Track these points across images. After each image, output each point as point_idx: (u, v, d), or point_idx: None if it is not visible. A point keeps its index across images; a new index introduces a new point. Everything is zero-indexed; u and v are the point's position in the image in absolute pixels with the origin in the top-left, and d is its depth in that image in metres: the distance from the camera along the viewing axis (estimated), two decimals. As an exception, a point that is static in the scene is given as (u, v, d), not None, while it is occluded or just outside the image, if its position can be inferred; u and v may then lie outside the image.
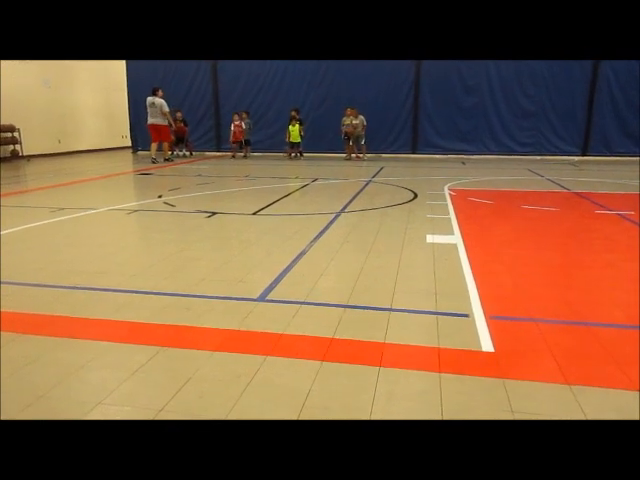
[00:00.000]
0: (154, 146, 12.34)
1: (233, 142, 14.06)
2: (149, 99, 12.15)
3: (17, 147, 13.53)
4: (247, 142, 14.23)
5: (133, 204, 6.89)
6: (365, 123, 13.15)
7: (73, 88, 15.69)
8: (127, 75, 15.71)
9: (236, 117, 13.85)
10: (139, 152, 15.72)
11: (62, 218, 5.84)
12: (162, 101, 12.15)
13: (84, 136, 16.26)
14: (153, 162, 12.14)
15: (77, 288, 3.51)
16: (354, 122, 13.08)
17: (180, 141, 14.36)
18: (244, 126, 13.91)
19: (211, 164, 12.64)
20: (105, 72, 16.80)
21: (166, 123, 12.35)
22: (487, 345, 2.61)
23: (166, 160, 12.55)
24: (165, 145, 12.65)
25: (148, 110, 12.18)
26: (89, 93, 16.36)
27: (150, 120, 12.20)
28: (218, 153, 15.34)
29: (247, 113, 14.21)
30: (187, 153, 14.57)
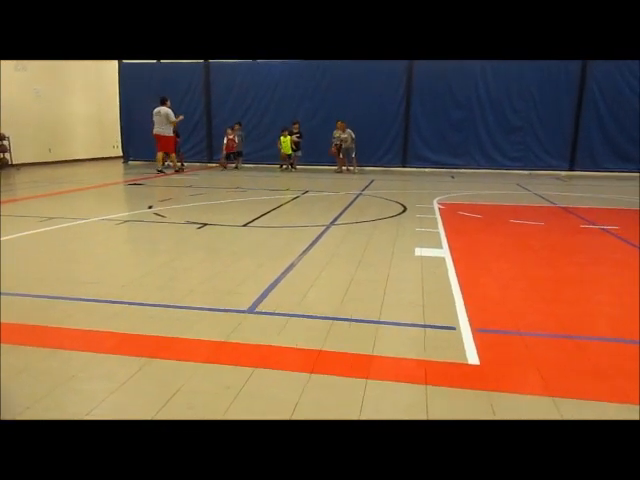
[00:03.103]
0: (159, 156, 12.52)
1: (226, 153, 14.09)
2: (156, 109, 12.26)
3: (7, 155, 13.47)
4: (239, 154, 14.29)
5: (123, 214, 6.88)
6: (354, 136, 13.28)
7: (64, 97, 15.67)
8: (119, 85, 15.74)
9: (229, 131, 13.90)
10: (130, 162, 15.70)
11: (51, 228, 5.82)
12: (168, 110, 12.20)
13: (75, 145, 16.21)
14: (159, 172, 12.36)
15: (66, 298, 3.50)
16: (342, 136, 13.27)
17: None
18: (237, 139, 13.98)
19: (202, 175, 12.66)
20: (97, 82, 16.82)
21: (169, 133, 12.35)
22: (473, 358, 2.65)
23: (159, 171, 12.42)
24: (159, 155, 12.54)
25: (154, 119, 12.28)
26: (80, 102, 16.33)
27: (154, 129, 12.33)
28: (210, 164, 15.36)
29: (239, 124, 14.28)
30: (178, 164, 14.57)
